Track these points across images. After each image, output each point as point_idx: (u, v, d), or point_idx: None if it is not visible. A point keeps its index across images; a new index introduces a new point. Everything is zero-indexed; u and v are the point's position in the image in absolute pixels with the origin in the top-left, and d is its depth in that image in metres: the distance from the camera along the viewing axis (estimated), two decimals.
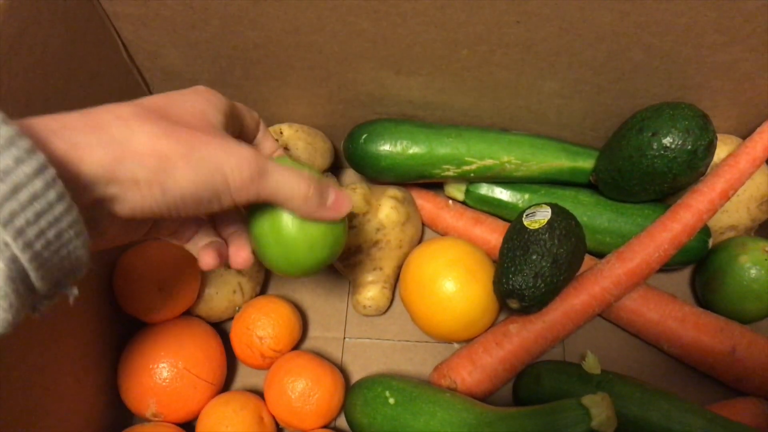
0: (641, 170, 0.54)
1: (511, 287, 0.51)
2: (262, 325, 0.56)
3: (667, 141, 0.52)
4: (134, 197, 0.30)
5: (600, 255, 0.59)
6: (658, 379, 0.57)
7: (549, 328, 0.55)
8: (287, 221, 0.38)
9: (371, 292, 0.60)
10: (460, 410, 0.48)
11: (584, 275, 0.56)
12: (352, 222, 0.57)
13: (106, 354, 0.55)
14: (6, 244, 0.24)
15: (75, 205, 0.26)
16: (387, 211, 0.59)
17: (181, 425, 0.54)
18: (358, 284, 0.60)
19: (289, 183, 0.37)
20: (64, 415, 0.48)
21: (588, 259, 0.59)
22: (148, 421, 0.54)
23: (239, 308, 0.58)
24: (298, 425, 0.54)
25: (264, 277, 0.62)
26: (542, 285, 0.51)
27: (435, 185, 0.66)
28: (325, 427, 0.55)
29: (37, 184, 0.25)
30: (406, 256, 0.62)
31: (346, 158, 0.61)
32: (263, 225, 0.39)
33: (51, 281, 0.27)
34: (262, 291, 0.63)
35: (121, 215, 0.31)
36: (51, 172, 0.25)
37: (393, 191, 0.60)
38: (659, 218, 0.55)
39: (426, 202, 0.64)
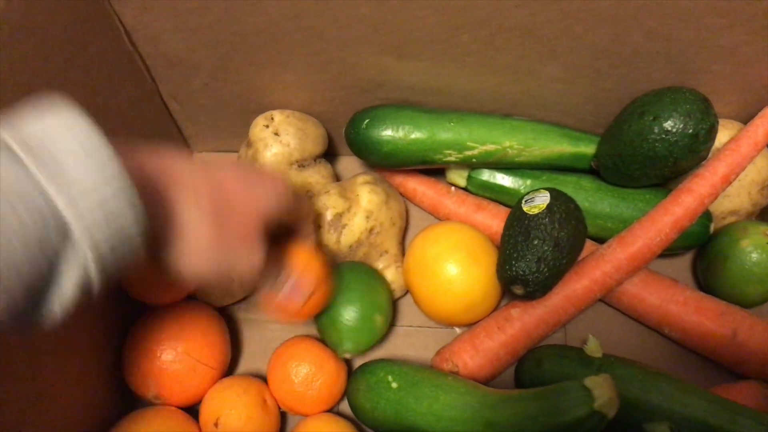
0: (642, 154, 0.54)
1: (514, 273, 0.52)
2: None
3: (668, 125, 0.52)
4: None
5: (602, 240, 0.59)
6: (659, 363, 0.57)
7: (550, 312, 0.55)
8: None
9: (388, 276, 0.61)
10: (462, 393, 0.48)
11: (585, 260, 0.56)
12: (341, 221, 0.58)
13: (111, 337, 0.55)
14: (86, 259, 0.27)
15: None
16: (367, 196, 0.59)
17: (185, 409, 0.55)
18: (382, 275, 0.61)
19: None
20: (70, 398, 0.49)
21: (589, 245, 0.59)
22: (151, 404, 0.54)
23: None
24: (301, 410, 0.54)
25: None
26: (545, 269, 0.51)
27: (436, 172, 0.66)
28: (328, 411, 0.56)
29: (133, 230, 0.29)
30: (402, 231, 0.63)
31: (348, 144, 0.61)
32: None
33: (105, 278, 0.30)
34: None
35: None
36: (144, 221, 0.29)
37: (363, 177, 0.61)
38: (661, 202, 0.55)
39: (428, 189, 0.64)
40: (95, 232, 0.27)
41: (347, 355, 0.55)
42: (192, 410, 0.55)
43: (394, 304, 0.62)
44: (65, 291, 0.28)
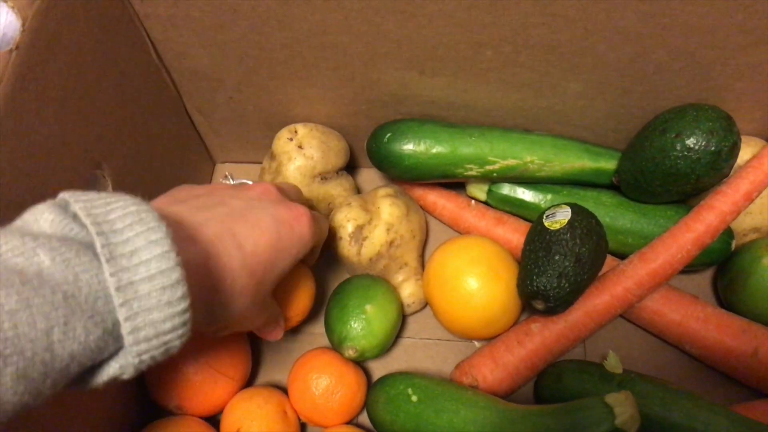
0: (664, 171, 0.54)
1: (535, 288, 0.52)
2: None
3: (690, 142, 0.52)
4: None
5: (622, 256, 0.59)
6: (680, 380, 0.57)
7: (571, 327, 0.55)
8: None
9: (408, 289, 0.61)
10: (483, 408, 0.48)
11: (606, 276, 0.56)
12: (362, 234, 0.58)
13: None
14: (125, 367, 0.29)
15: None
16: (388, 209, 0.59)
17: (206, 419, 0.55)
18: (395, 289, 0.61)
19: None
20: (94, 409, 0.49)
21: (610, 260, 0.59)
22: (172, 414, 0.54)
23: None
24: (321, 422, 0.55)
25: None
26: (566, 285, 0.51)
27: (457, 185, 0.66)
28: (348, 423, 0.56)
29: (176, 348, 0.31)
30: (422, 243, 0.63)
31: (370, 157, 0.61)
32: None
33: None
34: None
35: None
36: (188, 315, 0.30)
37: (384, 190, 0.61)
38: (682, 219, 0.55)
39: (448, 202, 0.65)
40: (143, 346, 0.29)
41: (351, 352, 0.55)
42: (213, 421, 0.56)
43: (413, 317, 0.63)
44: (98, 381, 0.29)
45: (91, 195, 0.30)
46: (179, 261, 0.29)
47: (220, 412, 0.55)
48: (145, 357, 0.29)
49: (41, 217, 0.29)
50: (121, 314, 0.27)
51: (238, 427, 0.52)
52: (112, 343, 0.28)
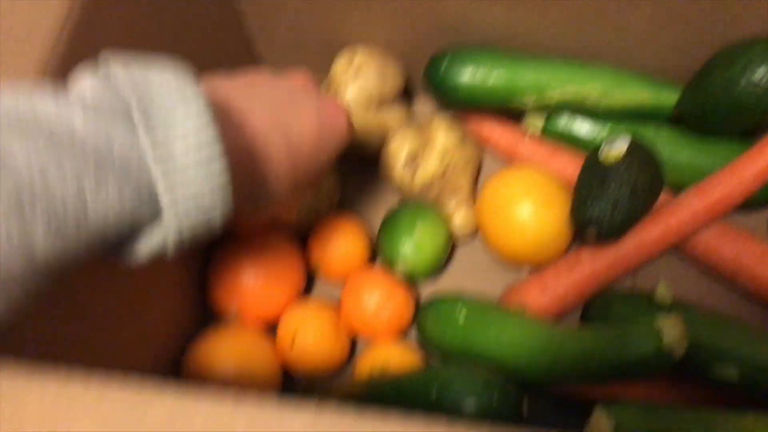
0: (728, 105, 0.53)
1: (589, 216, 0.52)
2: None
3: (757, 75, 0.51)
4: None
5: (679, 192, 0.58)
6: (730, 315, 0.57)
7: (621, 258, 0.55)
8: None
9: (460, 215, 0.62)
10: (530, 327, 0.49)
11: (661, 207, 0.56)
12: (416, 160, 0.59)
13: (197, 258, 0.59)
14: (166, 235, 0.30)
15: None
16: (443, 137, 0.60)
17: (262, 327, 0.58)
18: (445, 215, 0.62)
19: None
20: (158, 310, 0.53)
21: (666, 195, 0.58)
22: (230, 319, 0.57)
23: None
24: (371, 335, 0.57)
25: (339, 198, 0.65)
26: (620, 215, 0.52)
27: (513, 117, 0.66)
28: (396, 339, 0.58)
29: (218, 219, 0.31)
30: (475, 173, 0.64)
31: (426, 85, 0.61)
32: None
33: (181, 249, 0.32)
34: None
35: None
36: (230, 209, 0.31)
37: (440, 118, 0.62)
38: (744, 153, 0.54)
39: (503, 133, 0.65)
40: (183, 219, 0.29)
41: (401, 271, 0.57)
42: (270, 329, 0.58)
43: (463, 244, 0.64)
44: (139, 253, 0.30)
45: (135, 65, 0.30)
46: (218, 135, 0.29)
47: (275, 320, 0.57)
48: (185, 231, 0.30)
49: (82, 83, 0.29)
50: (160, 185, 0.28)
51: (293, 336, 0.54)
52: (149, 213, 0.28)
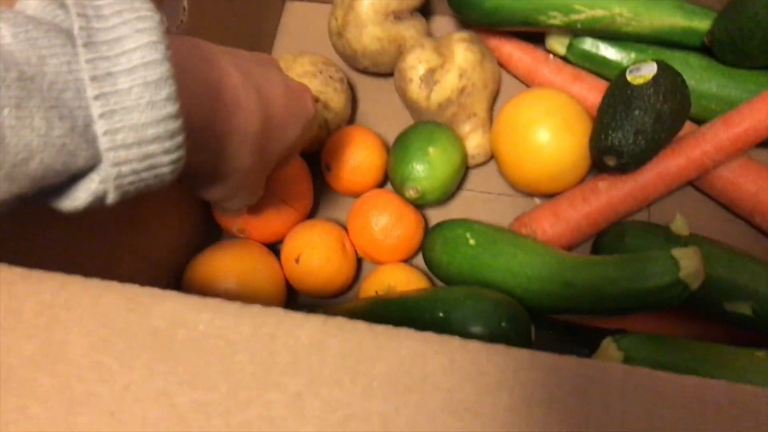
0: (766, 29, 0.50)
1: (609, 143, 0.50)
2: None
3: None
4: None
5: (704, 123, 0.56)
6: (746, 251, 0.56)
7: (640, 188, 0.53)
8: None
9: (475, 140, 0.60)
10: (541, 254, 0.48)
11: (684, 138, 0.53)
12: (433, 77, 0.56)
13: None
14: (106, 180, 0.26)
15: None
16: (462, 54, 0.57)
17: (267, 246, 0.57)
18: (460, 138, 0.59)
19: None
20: (162, 226, 0.51)
21: (689, 125, 0.56)
22: (235, 237, 0.56)
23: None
24: (377, 257, 0.56)
25: (350, 115, 0.63)
26: (642, 142, 0.50)
27: (536, 38, 0.63)
28: (403, 262, 0.57)
29: (166, 171, 0.28)
30: (494, 95, 0.61)
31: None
32: None
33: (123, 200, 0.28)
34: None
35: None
36: (181, 164, 0.28)
37: (460, 35, 0.59)
38: None
39: (525, 55, 0.62)
40: (123, 164, 0.26)
41: (412, 193, 0.55)
42: (274, 249, 0.57)
43: (476, 170, 0.62)
44: (77, 199, 0.26)
45: None
46: (169, 55, 0.25)
47: (281, 240, 0.56)
48: (125, 169, 0.26)
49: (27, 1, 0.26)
50: (95, 109, 0.24)
51: (299, 254, 0.53)
52: (85, 148, 0.25)
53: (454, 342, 0.26)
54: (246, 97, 0.35)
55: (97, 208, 0.27)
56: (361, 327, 0.26)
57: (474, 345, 0.26)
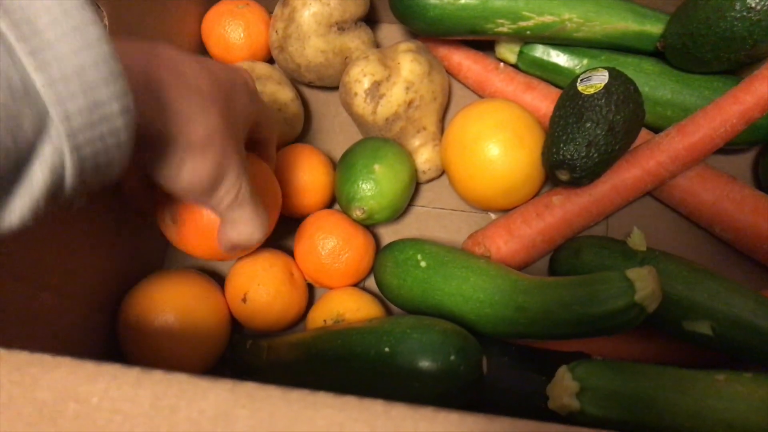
0: (718, 34, 0.48)
1: (561, 157, 0.48)
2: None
3: (752, 1, 0.46)
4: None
5: (659, 130, 0.54)
6: (706, 263, 0.54)
7: (595, 201, 0.52)
8: None
9: (424, 155, 0.57)
10: (493, 276, 0.46)
11: (639, 148, 0.52)
12: (379, 91, 0.54)
13: None
14: (59, 137, 0.24)
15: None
16: (409, 65, 0.55)
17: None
18: (409, 153, 0.57)
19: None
20: (88, 259, 0.48)
21: (645, 134, 0.54)
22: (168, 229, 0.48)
23: None
24: (326, 283, 0.53)
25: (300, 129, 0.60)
26: (595, 155, 0.47)
27: (485, 46, 0.61)
28: (354, 286, 0.54)
29: (115, 108, 0.25)
30: (443, 107, 0.59)
31: (392, 7, 0.56)
32: None
33: (82, 181, 0.26)
34: None
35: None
36: (128, 100, 0.26)
37: (406, 45, 0.56)
38: (730, 90, 0.50)
39: (474, 64, 0.60)
40: (69, 103, 0.24)
41: (359, 213, 0.52)
42: (218, 279, 0.54)
43: (428, 185, 0.60)
44: (34, 182, 0.24)
45: None
46: (88, 2, 0.24)
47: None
48: (76, 123, 0.24)
49: None
50: (29, 66, 0.23)
51: (245, 292, 0.50)
52: (29, 109, 0.23)
53: (376, 407, 0.23)
54: (184, 56, 0.34)
55: (54, 202, 0.25)
56: (274, 394, 0.24)
57: (398, 410, 0.23)
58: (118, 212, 0.50)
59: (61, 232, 0.44)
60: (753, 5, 0.46)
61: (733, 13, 0.47)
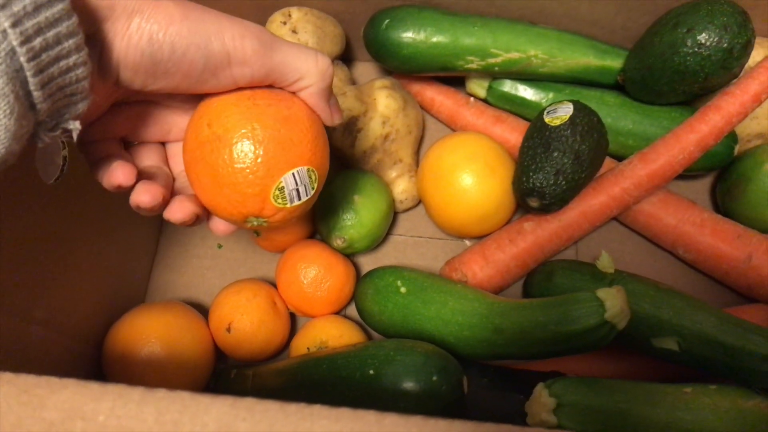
0: (672, 68, 0.52)
1: (531, 185, 0.51)
2: None
3: (702, 38, 0.50)
4: (120, 44, 0.29)
5: (622, 158, 0.57)
6: (671, 284, 0.56)
7: (565, 227, 0.54)
8: None
9: (401, 185, 0.59)
10: (471, 300, 0.48)
11: (604, 176, 0.54)
12: (356, 125, 0.56)
13: None
14: (4, 33, 0.23)
15: (74, 11, 0.25)
16: (384, 101, 0.57)
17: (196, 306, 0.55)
18: (386, 184, 0.59)
19: (301, 57, 0.35)
20: (76, 293, 0.49)
21: (609, 162, 0.57)
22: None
23: None
24: (309, 311, 0.54)
25: None
26: (563, 182, 0.50)
27: (456, 82, 0.64)
28: (336, 314, 0.56)
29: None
30: (418, 140, 0.62)
31: (366, 46, 0.58)
32: None
33: (51, 100, 0.26)
34: None
35: (110, 62, 0.29)
36: None
37: (381, 82, 0.59)
38: (686, 120, 0.53)
39: (446, 99, 0.63)
40: (15, 5, 0.23)
41: (339, 242, 0.54)
42: (201, 309, 0.55)
43: (405, 215, 0.62)
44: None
45: None
46: None
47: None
48: (17, 5, 0.23)
49: None
50: None
51: (229, 322, 0.51)
52: None
53: (369, 417, 0.25)
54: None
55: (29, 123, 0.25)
56: (272, 407, 0.25)
57: (390, 419, 0.25)
58: (102, 245, 0.52)
59: (48, 266, 0.45)
60: (703, 41, 0.50)
61: (685, 49, 0.50)
